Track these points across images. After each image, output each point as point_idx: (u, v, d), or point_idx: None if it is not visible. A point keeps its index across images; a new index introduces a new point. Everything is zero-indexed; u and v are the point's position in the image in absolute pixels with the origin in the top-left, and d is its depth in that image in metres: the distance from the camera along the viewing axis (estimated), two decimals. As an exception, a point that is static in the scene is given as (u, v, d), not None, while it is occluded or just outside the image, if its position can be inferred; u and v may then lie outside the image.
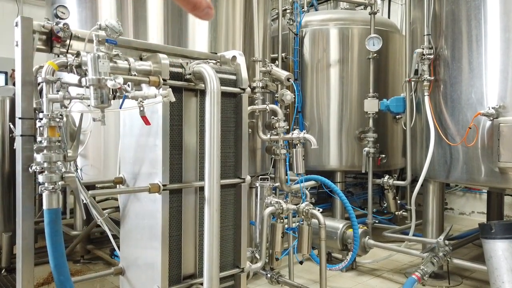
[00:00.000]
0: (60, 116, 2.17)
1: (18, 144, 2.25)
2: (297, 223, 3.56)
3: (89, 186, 4.02)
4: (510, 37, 3.59)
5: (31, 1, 8.37)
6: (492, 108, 3.59)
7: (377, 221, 5.53)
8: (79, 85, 2.24)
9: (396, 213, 5.46)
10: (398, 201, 5.58)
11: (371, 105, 5.28)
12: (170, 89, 2.32)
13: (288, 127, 3.86)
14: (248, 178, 2.89)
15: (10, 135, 4.06)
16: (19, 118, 2.24)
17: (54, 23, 2.41)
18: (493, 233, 3.36)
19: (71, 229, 4.89)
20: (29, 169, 2.18)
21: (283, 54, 5.44)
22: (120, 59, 2.35)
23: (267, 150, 4.01)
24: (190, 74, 2.56)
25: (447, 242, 3.98)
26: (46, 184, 2.12)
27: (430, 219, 4.51)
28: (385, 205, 5.70)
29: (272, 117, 3.87)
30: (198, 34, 3.78)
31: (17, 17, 2.31)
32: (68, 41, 2.43)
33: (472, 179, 3.88)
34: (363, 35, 5.60)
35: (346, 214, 5.13)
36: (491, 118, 3.57)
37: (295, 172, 3.80)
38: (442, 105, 4.10)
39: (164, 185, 2.46)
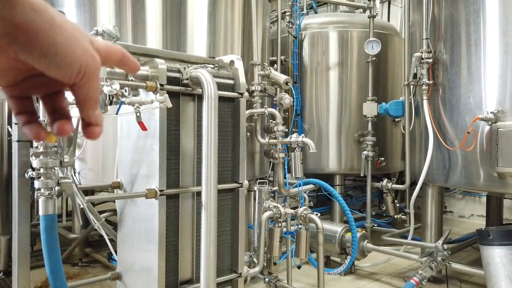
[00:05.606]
0: (57, 122, 2.16)
1: (14, 150, 2.24)
2: (296, 226, 3.55)
3: (87, 190, 4.02)
4: (509, 42, 3.58)
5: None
6: (491, 112, 3.58)
7: (376, 225, 5.53)
8: (76, 90, 2.23)
9: (395, 216, 5.46)
10: (397, 204, 5.57)
11: (370, 109, 5.26)
12: (167, 95, 2.31)
13: (287, 130, 3.85)
14: (245, 182, 2.88)
15: (8, 138, 4.06)
16: (16, 123, 2.24)
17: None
18: (491, 240, 3.35)
19: (69, 232, 4.87)
20: (26, 174, 2.17)
21: (282, 57, 5.45)
22: (117, 64, 2.34)
23: (265, 153, 4.01)
24: (187, 79, 2.56)
25: (445, 246, 3.97)
26: (42, 190, 2.11)
27: (429, 223, 4.50)
28: (384, 208, 5.69)
29: (271, 120, 3.86)
30: (197, 38, 3.77)
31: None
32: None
33: (470, 184, 3.88)
34: (362, 38, 5.59)
35: (345, 217, 5.12)
36: (490, 123, 3.57)
37: (293, 176, 3.79)
38: (441, 109, 4.09)
39: (161, 191, 2.46)
